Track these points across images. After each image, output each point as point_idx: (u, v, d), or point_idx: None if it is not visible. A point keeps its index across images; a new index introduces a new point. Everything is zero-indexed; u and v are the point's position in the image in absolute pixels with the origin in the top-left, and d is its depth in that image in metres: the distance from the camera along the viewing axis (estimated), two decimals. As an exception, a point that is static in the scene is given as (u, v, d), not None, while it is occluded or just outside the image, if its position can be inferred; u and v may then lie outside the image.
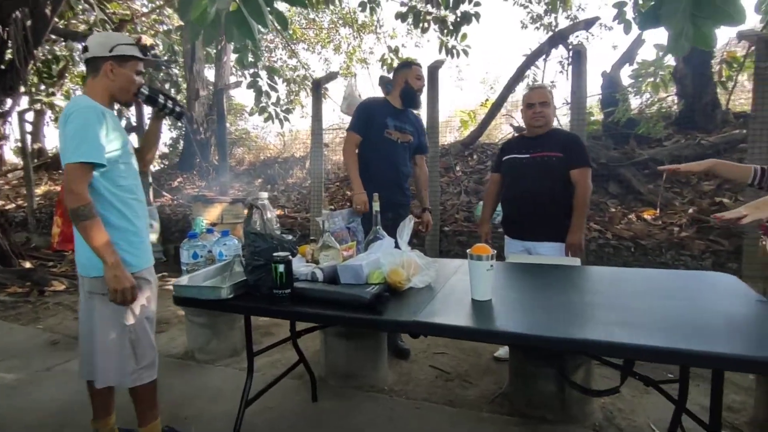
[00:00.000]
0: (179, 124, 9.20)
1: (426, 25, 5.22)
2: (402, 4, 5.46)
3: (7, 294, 4.31)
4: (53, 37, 6.72)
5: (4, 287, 4.44)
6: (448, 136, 7.51)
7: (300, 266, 1.67)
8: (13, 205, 7.91)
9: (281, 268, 1.40)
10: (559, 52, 6.14)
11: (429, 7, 5.12)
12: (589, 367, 2.06)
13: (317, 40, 10.97)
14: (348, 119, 2.99)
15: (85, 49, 1.63)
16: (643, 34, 5.57)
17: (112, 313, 1.58)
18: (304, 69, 9.81)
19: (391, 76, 2.84)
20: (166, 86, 7.36)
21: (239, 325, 2.85)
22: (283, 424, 2.08)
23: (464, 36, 5.08)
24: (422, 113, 2.96)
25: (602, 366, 2.22)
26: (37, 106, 8.33)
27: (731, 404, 2.17)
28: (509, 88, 5.66)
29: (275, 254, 1.42)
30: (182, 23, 7.88)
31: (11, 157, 10.77)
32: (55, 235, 5.83)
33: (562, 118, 5.83)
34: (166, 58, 7.37)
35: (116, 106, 1.77)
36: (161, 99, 1.78)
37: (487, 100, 7.78)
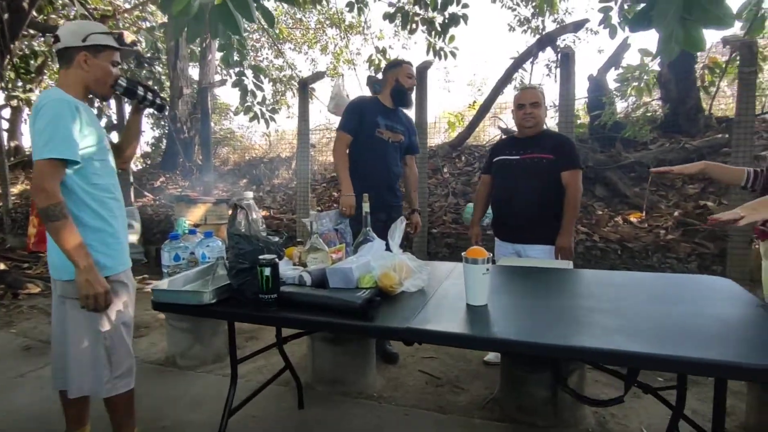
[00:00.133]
0: (162, 123, 9.02)
1: (414, 26, 5.18)
2: (390, 5, 5.42)
3: (-22, 297, 4.13)
4: (31, 32, 6.52)
5: (-24, 290, 4.26)
6: (435, 138, 7.49)
7: (287, 269, 1.60)
8: (-13, 205, 7.64)
9: (267, 271, 1.33)
10: (546, 55, 6.19)
11: (417, 8, 5.09)
12: (582, 372, 2.03)
13: (304, 40, 10.87)
14: (335, 119, 2.95)
15: (56, 39, 1.53)
16: (629, 39, 5.63)
17: (85, 319, 1.49)
18: (291, 69, 9.71)
19: (379, 76, 2.80)
20: (149, 84, 7.19)
21: (223, 330, 2.77)
22: (268, 433, 2.01)
23: (452, 38, 5.06)
24: (410, 114, 2.91)
25: (593, 369, 2.20)
26: (14, 102, 8.08)
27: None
28: (497, 90, 5.66)
29: (261, 257, 1.35)
30: (165, 20, 7.73)
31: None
32: (31, 236, 5.64)
33: (549, 121, 5.85)
34: (149, 55, 7.21)
35: (97, 103, 1.68)
36: (140, 90, 1.69)
37: (474, 102, 7.78)
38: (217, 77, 8.62)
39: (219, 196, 5.95)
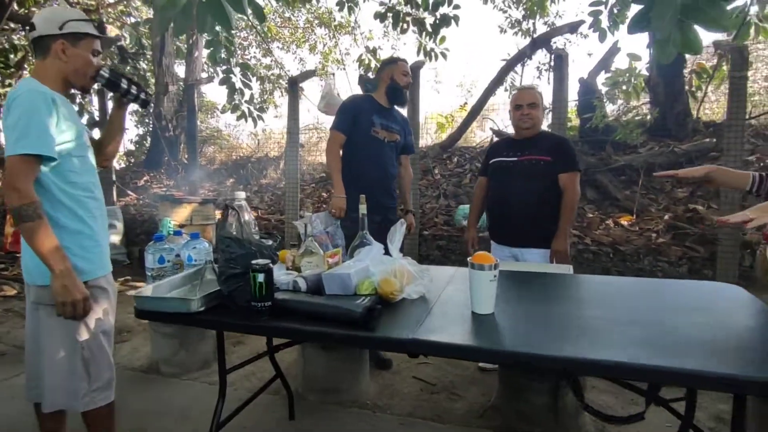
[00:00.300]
0: (147, 120, 8.81)
1: (405, 26, 5.12)
2: (381, 4, 5.35)
3: (-51, 300, 3.95)
4: (12, 25, 6.29)
5: (-53, 292, 4.08)
6: (423, 139, 7.43)
7: (280, 274, 1.52)
8: (-38, 203, 7.36)
9: (261, 277, 1.24)
10: (537, 57, 6.18)
11: (408, 8, 5.03)
12: (583, 379, 1.98)
13: (292, 39, 10.74)
14: (324, 118, 2.87)
15: (32, 27, 1.42)
16: (619, 42, 5.66)
17: (61, 328, 1.38)
18: (279, 68, 9.58)
19: (370, 75, 2.73)
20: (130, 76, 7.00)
21: (210, 335, 2.66)
22: (258, 446, 1.92)
23: (443, 39, 5.02)
24: (403, 113, 2.85)
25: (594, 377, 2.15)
26: (-8, 97, 7.79)
27: (719, 414, 2.14)
28: (489, 91, 5.63)
29: (254, 262, 1.26)
30: (151, 15, 7.55)
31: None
32: (8, 235, 5.44)
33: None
34: (133, 51, 7.03)
35: (78, 99, 1.57)
36: (124, 83, 1.58)
37: (465, 103, 7.76)
38: (204, 75, 8.45)
39: (205, 196, 5.81)
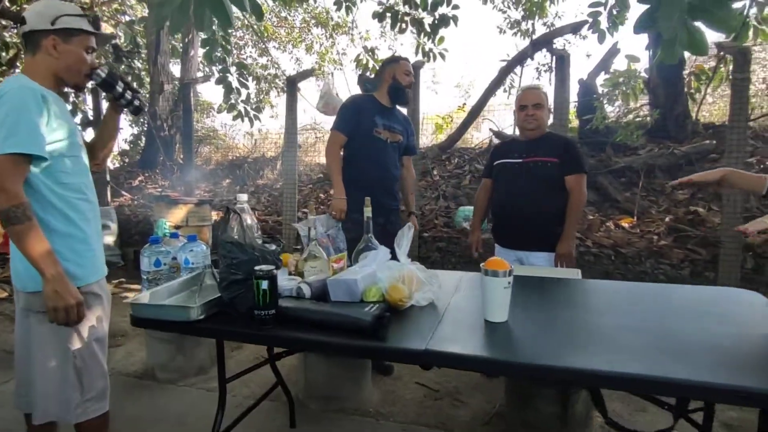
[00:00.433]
0: (141, 120, 8.69)
1: (404, 26, 5.08)
2: (379, 4, 5.30)
3: (-62, 303, 3.85)
4: (3, 22, 6.19)
5: (-64, 295, 3.97)
6: (421, 140, 7.38)
7: (282, 280, 1.46)
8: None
9: (265, 284, 1.18)
10: (536, 58, 6.15)
11: (407, 8, 4.98)
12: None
13: (288, 39, 10.67)
14: (321, 119, 2.82)
15: (23, 22, 1.36)
16: (618, 43, 5.64)
17: (53, 336, 1.32)
18: (275, 68, 9.50)
19: (369, 75, 2.67)
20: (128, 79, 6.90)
21: (207, 340, 2.59)
22: (258, 456, 1.85)
23: (441, 39, 4.97)
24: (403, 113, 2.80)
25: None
26: (-17, 96, 7.66)
27: (728, 421, 2.10)
28: (490, 91, 5.59)
29: (257, 268, 1.20)
30: (146, 14, 7.45)
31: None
32: (-2, 237, 5.33)
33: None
34: (128, 49, 6.93)
35: (72, 98, 1.50)
36: (119, 86, 1.52)
37: (464, 104, 7.72)
38: (200, 74, 8.37)
39: (201, 197, 5.73)
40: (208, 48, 4.72)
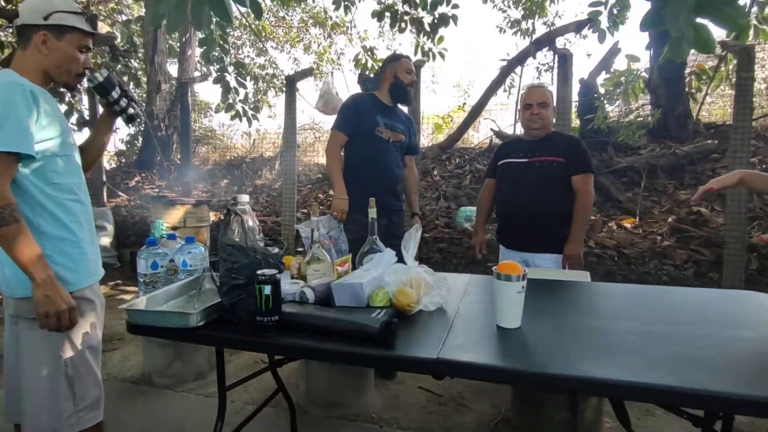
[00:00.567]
0: (138, 120, 8.62)
1: (403, 25, 5.03)
2: (379, 3, 5.25)
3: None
4: (-1, 21, 6.11)
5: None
6: (422, 140, 7.34)
7: (285, 284, 1.40)
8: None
9: (268, 289, 1.12)
10: (537, 57, 6.11)
11: (406, 7, 4.94)
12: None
13: (286, 38, 10.62)
14: (321, 118, 2.76)
15: (17, 15, 1.30)
16: (619, 43, 5.61)
17: (43, 343, 1.26)
18: (273, 67, 9.44)
19: (368, 75, 2.62)
20: (124, 79, 6.83)
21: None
22: (258, 464, 1.80)
23: (441, 38, 4.93)
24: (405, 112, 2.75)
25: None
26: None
27: (738, 426, 2.06)
28: (491, 91, 5.55)
29: (259, 272, 1.14)
30: (143, 13, 7.38)
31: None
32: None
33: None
34: (125, 49, 6.86)
35: (68, 97, 1.44)
36: (115, 93, 1.45)
37: (464, 104, 7.67)
38: (197, 74, 8.30)
39: (199, 197, 5.67)
40: (205, 47, 4.67)
